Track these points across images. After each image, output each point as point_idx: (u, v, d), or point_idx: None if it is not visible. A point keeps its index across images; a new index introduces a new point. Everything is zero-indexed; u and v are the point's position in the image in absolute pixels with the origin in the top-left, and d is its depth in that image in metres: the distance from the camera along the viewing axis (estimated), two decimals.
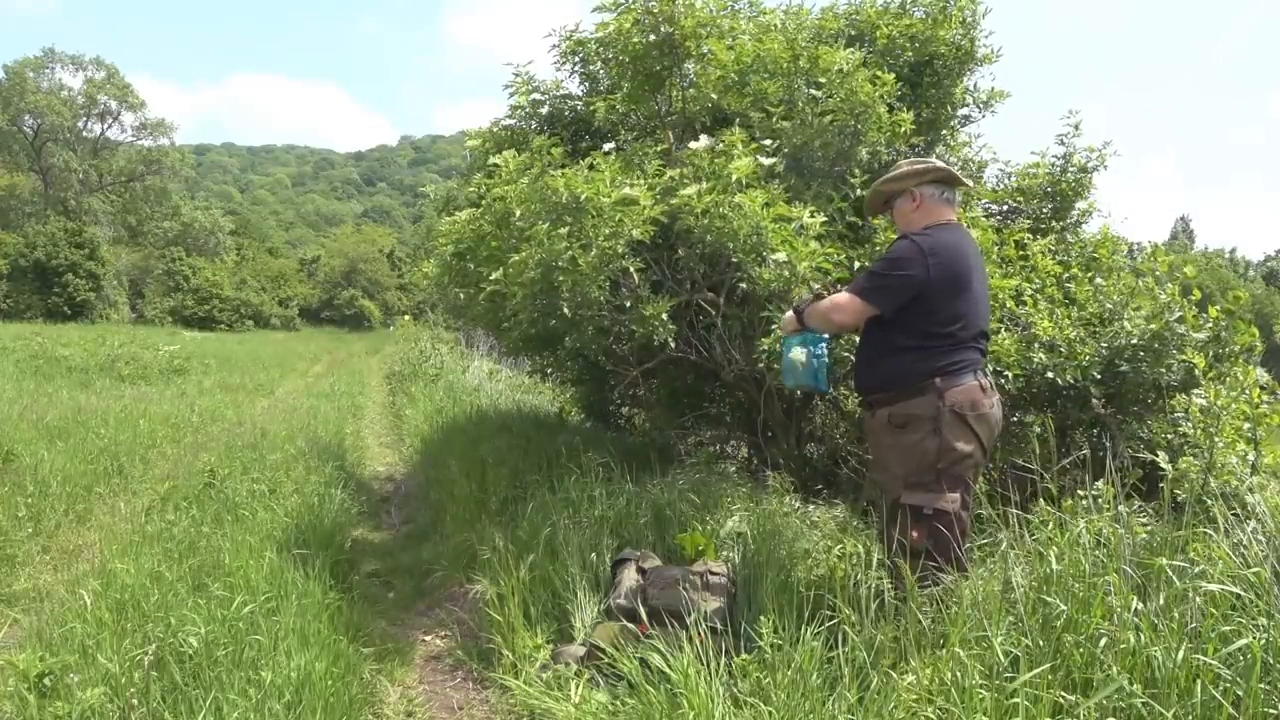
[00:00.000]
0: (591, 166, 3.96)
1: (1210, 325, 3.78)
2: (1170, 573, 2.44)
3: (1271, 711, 2.06)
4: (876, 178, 4.52)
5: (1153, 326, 3.84)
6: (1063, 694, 2.23)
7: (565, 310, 3.92)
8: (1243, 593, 2.33)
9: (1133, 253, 5.34)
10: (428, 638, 4.00)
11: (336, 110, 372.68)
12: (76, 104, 44.01)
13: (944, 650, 2.50)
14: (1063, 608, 2.46)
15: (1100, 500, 2.87)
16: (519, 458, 5.60)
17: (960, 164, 5.25)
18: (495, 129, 5.67)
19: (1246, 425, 3.29)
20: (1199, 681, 2.13)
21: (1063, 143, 5.11)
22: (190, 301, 41.19)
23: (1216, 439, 3.19)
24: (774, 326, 4.08)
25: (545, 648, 3.36)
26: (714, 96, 4.59)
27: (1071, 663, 2.33)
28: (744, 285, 4.06)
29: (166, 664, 2.82)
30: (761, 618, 2.89)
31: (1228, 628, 2.25)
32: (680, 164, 4.03)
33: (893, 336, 2.91)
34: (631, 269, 3.87)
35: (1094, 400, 3.90)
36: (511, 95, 5.52)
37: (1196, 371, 3.53)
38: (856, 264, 4.08)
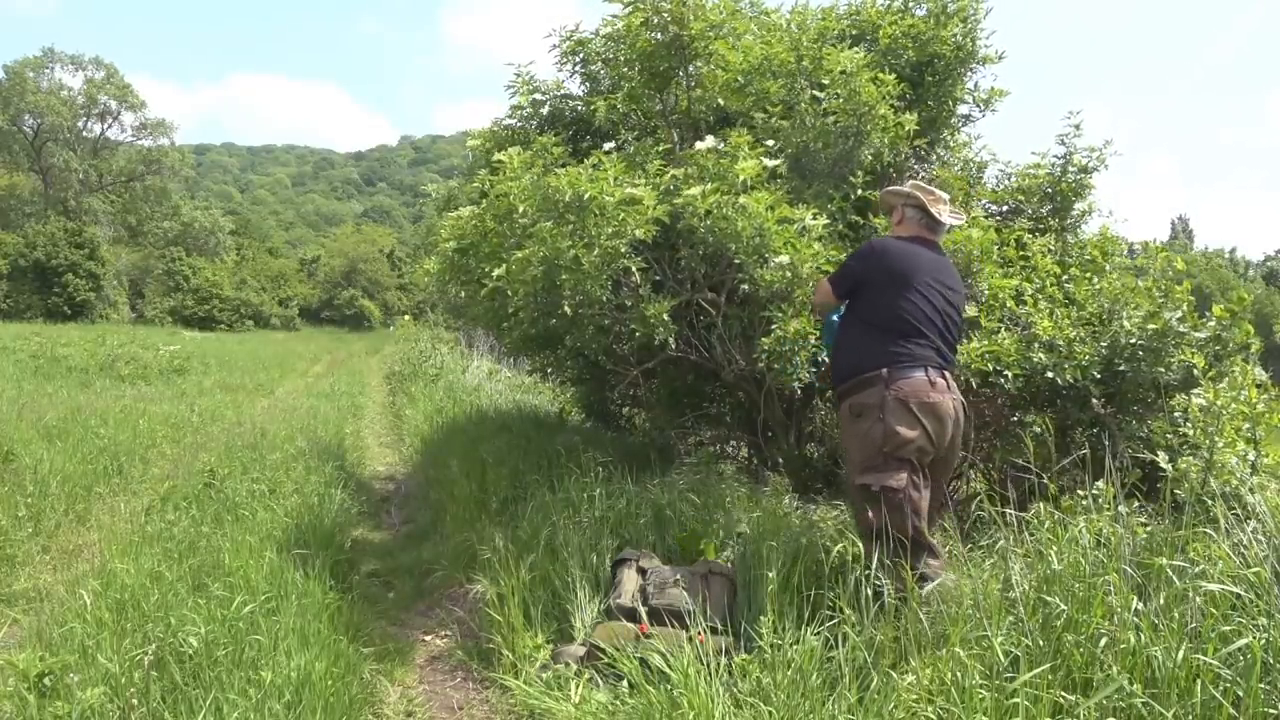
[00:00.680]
0: (595, 165, 3.96)
1: (1213, 325, 3.78)
2: (1170, 573, 2.44)
3: (1271, 711, 2.06)
4: (879, 178, 4.56)
5: (1152, 326, 3.84)
6: (1063, 694, 2.23)
7: (567, 309, 3.91)
8: (1243, 593, 2.33)
9: (1132, 252, 5.34)
10: (428, 638, 4.00)
11: (336, 110, 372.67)
12: (76, 104, 43.98)
13: (944, 650, 2.50)
14: (1063, 608, 2.46)
15: (1100, 500, 2.88)
16: (519, 458, 5.60)
17: (961, 165, 5.25)
18: (496, 129, 5.68)
19: (1246, 425, 3.29)
20: (1199, 681, 2.13)
21: (1063, 143, 5.12)
22: (190, 301, 41.16)
23: (1217, 439, 3.19)
24: (774, 327, 4.08)
25: (545, 648, 3.36)
26: (720, 98, 4.59)
27: (1071, 663, 2.33)
28: (745, 286, 4.06)
29: (166, 664, 2.82)
30: (761, 618, 2.89)
31: (1228, 628, 2.25)
32: (684, 164, 4.03)
33: (850, 331, 3.33)
34: (633, 268, 3.87)
35: (1094, 400, 3.90)
36: (513, 95, 5.52)
37: (1196, 371, 3.53)
38: None
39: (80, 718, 2.51)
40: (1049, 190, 5.12)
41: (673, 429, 5.78)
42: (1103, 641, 2.32)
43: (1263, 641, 2.14)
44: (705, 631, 3.06)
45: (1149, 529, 2.85)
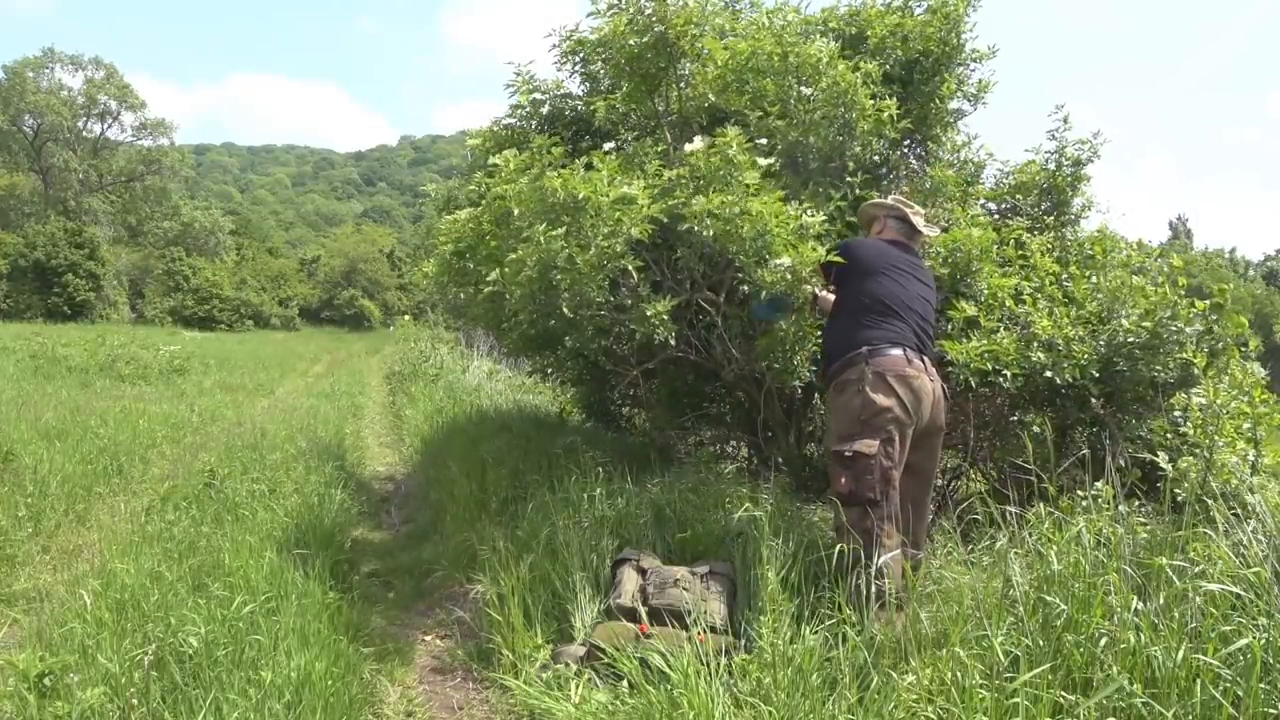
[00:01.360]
0: (589, 166, 3.96)
1: (1201, 319, 3.78)
2: (1170, 572, 2.44)
3: (1271, 711, 2.06)
4: (872, 176, 4.58)
5: (1147, 324, 3.84)
6: (1063, 694, 2.23)
7: (564, 310, 3.91)
8: (1243, 593, 2.33)
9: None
10: (428, 638, 4.00)
11: (336, 110, 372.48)
12: (76, 104, 43.96)
13: (944, 650, 2.51)
14: (1063, 607, 2.46)
15: (1100, 500, 2.88)
16: (519, 458, 5.60)
17: (959, 165, 5.25)
18: (496, 129, 5.66)
19: (1247, 425, 3.29)
20: (1199, 681, 2.13)
21: (1054, 137, 5.13)
22: (190, 301, 41.15)
23: (1217, 438, 3.19)
24: (775, 326, 4.09)
25: (545, 648, 3.36)
26: (710, 96, 4.59)
27: (1071, 662, 2.33)
28: (745, 287, 4.07)
29: (166, 664, 2.82)
30: (761, 618, 2.89)
31: (1228, 628, 2.25)
32: (679, 164, 4.03)
33: (835, 321, 3.63)
34: (631, 268, 3.87)
35: (1093, 400, 3.90)
36: (512, 95, 5.51)
37: (1196, 370, 3.53)
38: None
39: (80, 718, 2.51)
40: (1045, 186, 5.12)
41: (673, 429, 5.77)
42: (1103, 641, 2.32)
43: (1263, 641, 2.14)
44: (705, 631, 3.06)
45: (1149, 529, 2.85)
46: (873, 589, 2.89)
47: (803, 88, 4.32)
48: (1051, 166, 5.13)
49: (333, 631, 3.42)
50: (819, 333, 3.97)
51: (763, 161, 3.80)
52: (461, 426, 7.79)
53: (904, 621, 2.76)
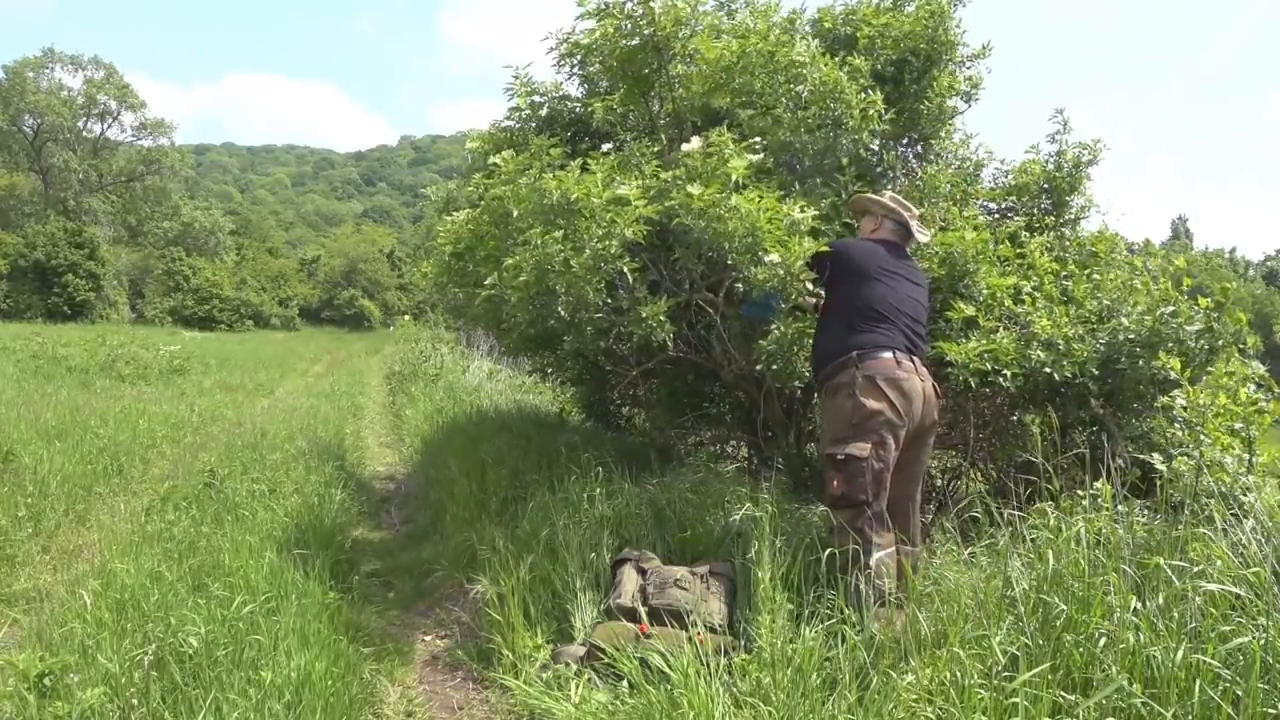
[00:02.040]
0: (584, 168, 3.96)
1: (1202, 316, 3.78)
2: (1169, 572, 2.44)
3: (1271, 711, 2.06)
4: (866, 173, 4.58)
5: (1148, 320, 3.85)
6: (1062, 693, 2.23)
7: (562, 312, 3.92)
8: (1242, 593, 2.33)
9: (1132, 251, 5.33)
10: (428, 638, 4.01)
11: (336, 110, 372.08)
12: (76, 104, 43.95)
13: (943, 650, 2.51)
14: (1062, 607, 2.46)
15: (1099, 500, 2.88)
16: (519, 458, 5.60)
17: (958, 164, 5.25)
18: (495, 131, 5.67)
19: (1240, 425, 3.28)
20: (1198, 681, 2.13)
21: (1054, 139, 5.13)
22: (190, 301, 41.15)
23: (1204, 437, 3.19)
24: (774, 326, 4.09)
25: (545, 648, 3.36)
26: (701, 95, 4.59)
27: (1071, 662, 2.33)
28: (740, 286, 4.07)
29: (166, 664, 2.82)
30: (761, 618, 2.89)
31: (1227, 627, 2.25)
32: (675, 165, 4.03)
33: (826, 323, 3.64)
34: (626, 269, 3.87)
35: (1093, 399, 3.90)
36: (511, 98, 5.51)
37: (1174, 373, 3.54)
38: None
39: (80, 718, 2.52)
40: (1044, 186, 5.12)
41: (673, 429, 5.78)
42: (1102, 641, 2.32)
43: (1262, 641, 2.14)
44: (705, 631, 3.06)
45: (1148, 528, 2.85)
46: (871, 589, 2.92)
47: (794, 85, 4.33)
48: (1051, 167, 5.13)
49: (333, 631, 3.42)
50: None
51: (752, 158, 3.81)
52: (461, 426, 7.79)
53: (903, 621, 2.77)
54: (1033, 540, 2.85)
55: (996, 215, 5.22)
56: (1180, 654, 2.18)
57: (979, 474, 4.66)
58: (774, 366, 4.16)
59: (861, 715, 2.39)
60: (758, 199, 3.67)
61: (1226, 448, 3.14)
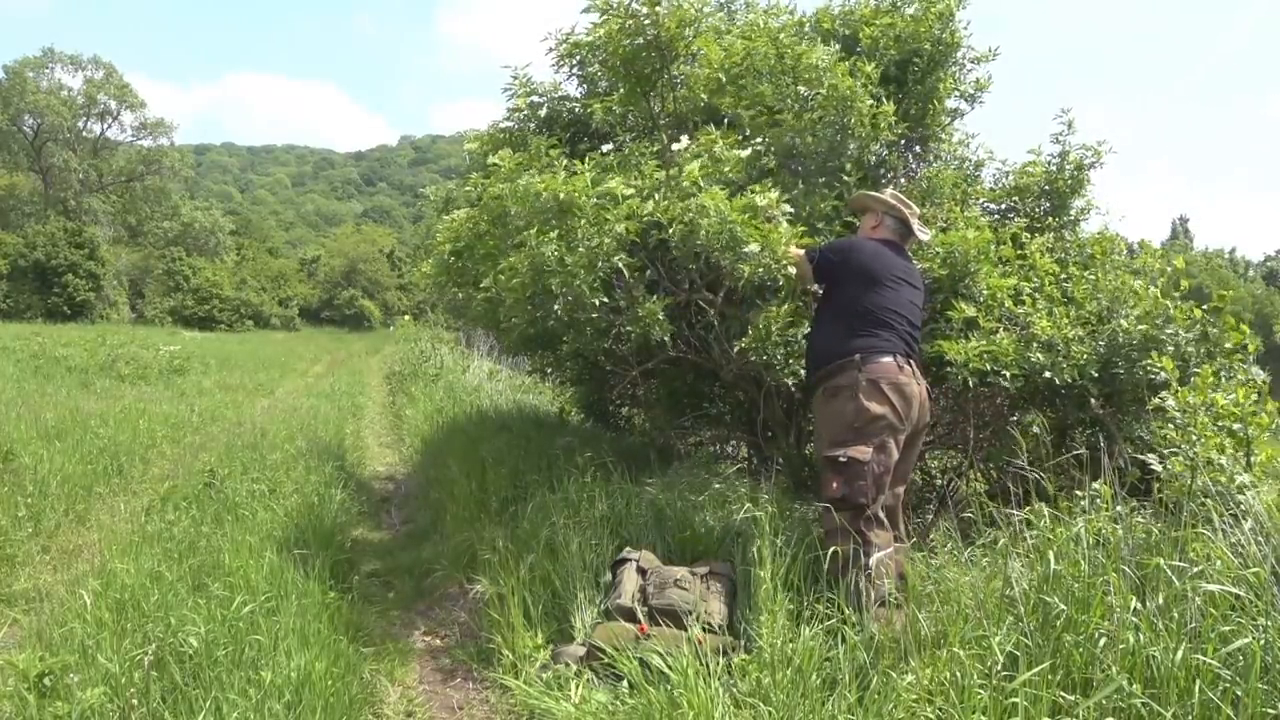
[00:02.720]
0: (568, 169, 3.97)
1: (1199, 324, 3.79)
2: (1169, 572, 2.44)
3: (1271, 711, 2.06)
4: (869, 175, 4.58)
5: (1142, 327, 3.85)
6: (1062, 694, 2.23)
7: (559, 311, 3.92)
8: (1242, 593, 2.33)
9: (1132, 252, 5.33)
10: (428, 638, 4.01)
11: (336, 110, 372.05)
12: (76, 104, 43.96)
13: (943, 650, 2.51)
14: (1062, 607, 2.46)
15: (1098, 500, 2.88)
16: (519, 458, 5.60)
17: (958, 164, 5.25)
18: (494, 132, 5.67)
19: (1237, 425, 3.28)
20: (1198, 681, 2.13)
21: (1058, 141, 5.12)
22: (190, 301, 41.13)
23: (1195, 439, 3.19)
24: (751, 325, 4.09)
25: (545, 648, 3.36)
26: (704, 97, 4.59)
27: (1071, 662, 2.33)
28: (728, 283, 4.07)
29: (166, 664, 2.82)
30: (761, 618, 2.89)
31: (1227, 628, 2.25)
32: (672, 164, 4.04)
33: (825, 322, 3.61)
34: (624, 267, 3.87)
35: (1092, 400, 3.90)
36: (510, 98, 5.51)
37: (1166, 374, 3.54)
38: None
39: (80, 718, 2.52)
40: (1046, 188, 5.12)
41: (672, 429, 5.77)
42: (1102, 641, 2.32)
43: (1262, 642, 2.14)
44: (705, 632, 3.06)
45: (1147, 529, 2.85)
46: (871, 589, 2.92)
47: (800, 89, 4.33)
48: (1053, 169, 5.12)
49: (333, 631, 3.42)
50: (803, 330, 3.97)
51: (742, 153, 3.82)
52: (461, 426, 7.79)
53: (903, 621, 2.77)
54: (1033, 540, 2.85)
55: (997, 215, 5.22)
56: (1180, 654, 2.18)
57: (979, 474, 4.66)
58: (755, 360, 4.15)
59: (861, 715, 2.39)
60: (718, 194, 3.66)
61: (1219, 448, 3.13)
